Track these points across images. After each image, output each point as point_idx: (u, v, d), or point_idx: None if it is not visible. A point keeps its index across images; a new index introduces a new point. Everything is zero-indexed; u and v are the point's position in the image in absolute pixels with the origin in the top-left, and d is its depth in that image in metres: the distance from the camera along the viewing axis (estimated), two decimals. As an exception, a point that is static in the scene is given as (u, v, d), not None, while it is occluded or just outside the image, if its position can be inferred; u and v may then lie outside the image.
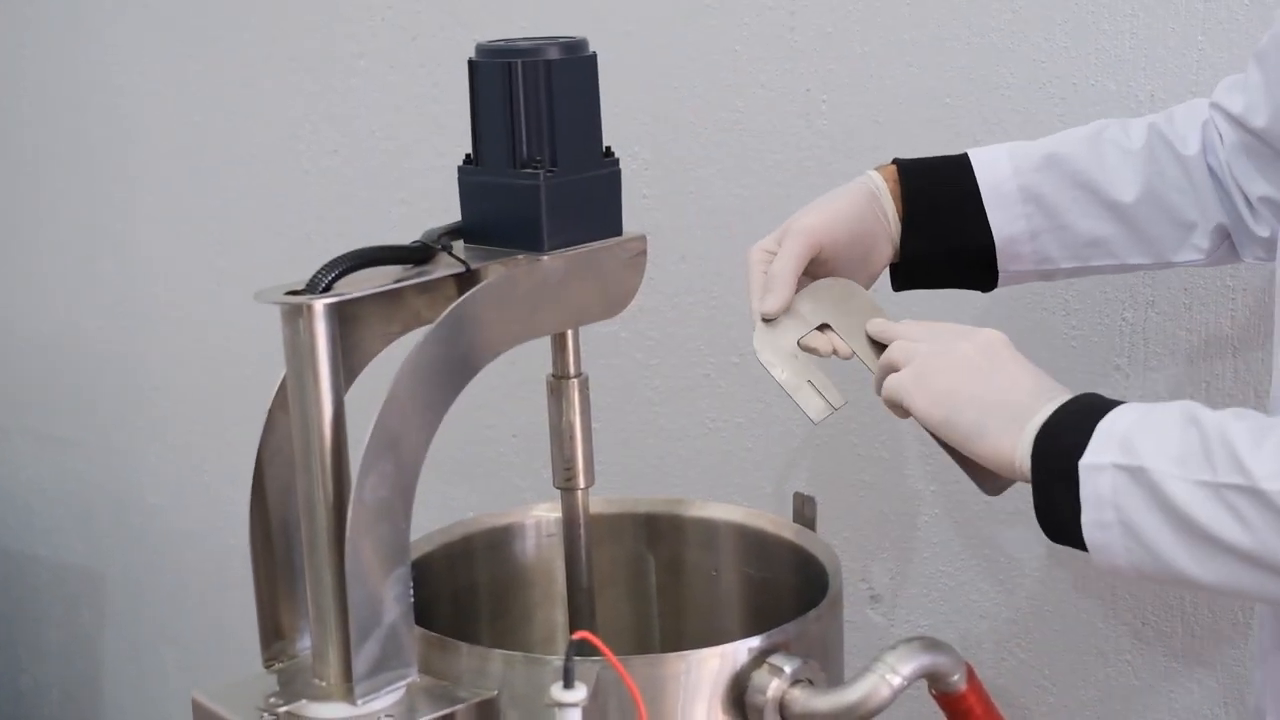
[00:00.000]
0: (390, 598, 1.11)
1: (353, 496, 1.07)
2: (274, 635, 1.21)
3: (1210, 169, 1.33)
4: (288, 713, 1.11)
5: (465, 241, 1.22)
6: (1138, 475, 1.04)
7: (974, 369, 1.15)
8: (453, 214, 1.99)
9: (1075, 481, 1.06)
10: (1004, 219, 1.34)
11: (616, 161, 1.22)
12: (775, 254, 1.30)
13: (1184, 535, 1.03)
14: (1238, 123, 1.30)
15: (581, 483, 1.30)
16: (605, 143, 1.22)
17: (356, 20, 2.08)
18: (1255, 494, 1.00)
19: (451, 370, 1.13)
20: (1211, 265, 1.40)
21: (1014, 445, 1.10)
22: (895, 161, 1.36)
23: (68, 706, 2.76)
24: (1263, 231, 1.32)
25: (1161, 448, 1.04)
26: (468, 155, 1.22)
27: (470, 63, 1.20)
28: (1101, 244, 1.35)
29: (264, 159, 2.24)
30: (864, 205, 1.33)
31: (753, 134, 1.79)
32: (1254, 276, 1.53)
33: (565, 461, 1.30)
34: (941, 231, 1.34)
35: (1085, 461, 1.06)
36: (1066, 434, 1.08)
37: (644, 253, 1.24)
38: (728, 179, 1.82)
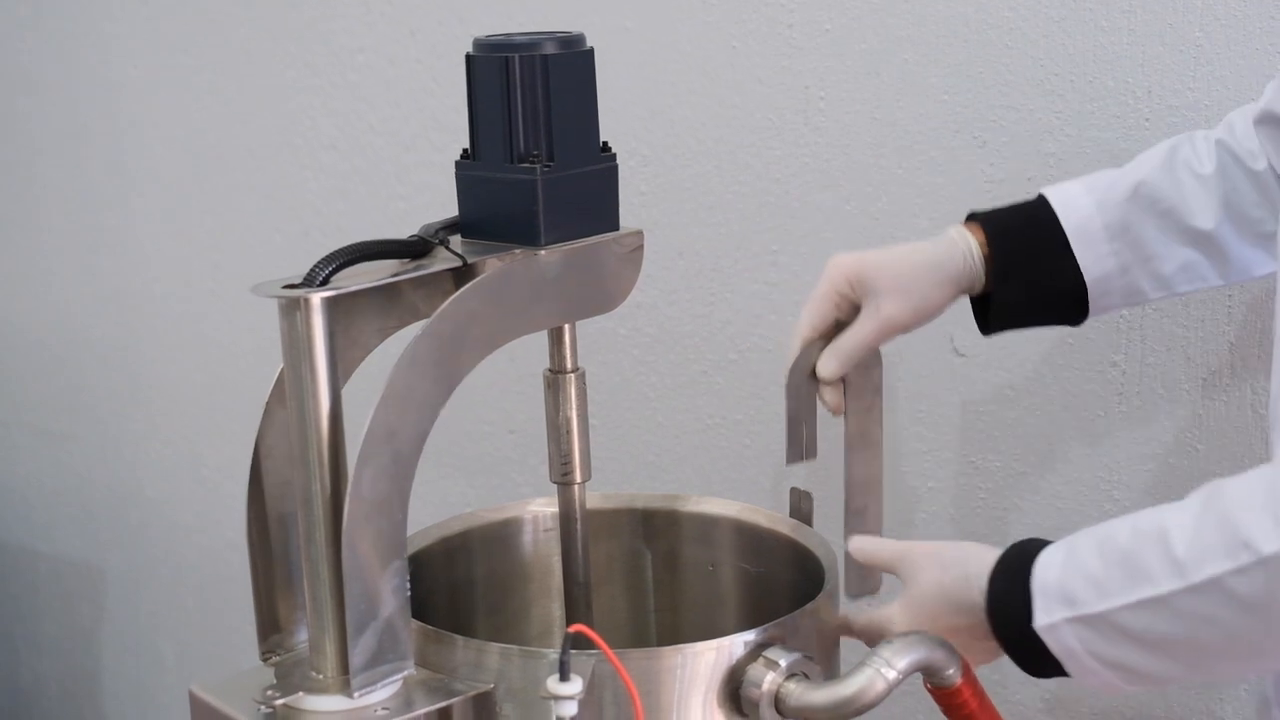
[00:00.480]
0: (387, 591, 1.11)
1: (350, 490, 1.08)
2: (271, 628, 1.22)
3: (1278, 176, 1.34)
4: (284, 705, 1.12)
5: (463, 236, 1.22)
6: (1091, 623, 1.08)
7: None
8: (451, 209, 1.99)
9: (1040, 642, 1.11)
10: (1092, 259, 1.34)
11: (613, 156, 1.23)
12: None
13: (1160, 654, 1.06)
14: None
15: (578, 477, 1.31)
16: (602, 138, 1.23)
17: (355, 15, 2.08)
18: (1199, 589, 1.01)
19: (448, 364, 1.13)
20: None
21: (986, 636, 1.16)
22: (976, 216, 1.37)
23: (66, 700, 2.76)
24: None
25: (1095, 585, 1.07)
26: (465, 150, 1.22)
27: (468, 57, 1.20)
28: (1188, 270, 1.36)
29: (262, 154, 2.24)
30: (949, 292, 1.34)
31: (750, 130, 1.79)
32: (1250, 273, 1.53)
33: (562, 456, 1.30)
34: (1033, 278, 1.35)
35: (1039, 625, 1.10)
36: (1011, 604, 1.13)
37: (641, 247, 1.24)
38: (725, 175, 1.82)
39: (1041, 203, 1.36)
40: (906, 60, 1.67)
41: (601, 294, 1.23)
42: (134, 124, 2.38)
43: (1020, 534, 1.71)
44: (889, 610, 1.23)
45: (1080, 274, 1.34)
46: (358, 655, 1.10)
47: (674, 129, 1.84)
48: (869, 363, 1.35)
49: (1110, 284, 1.35)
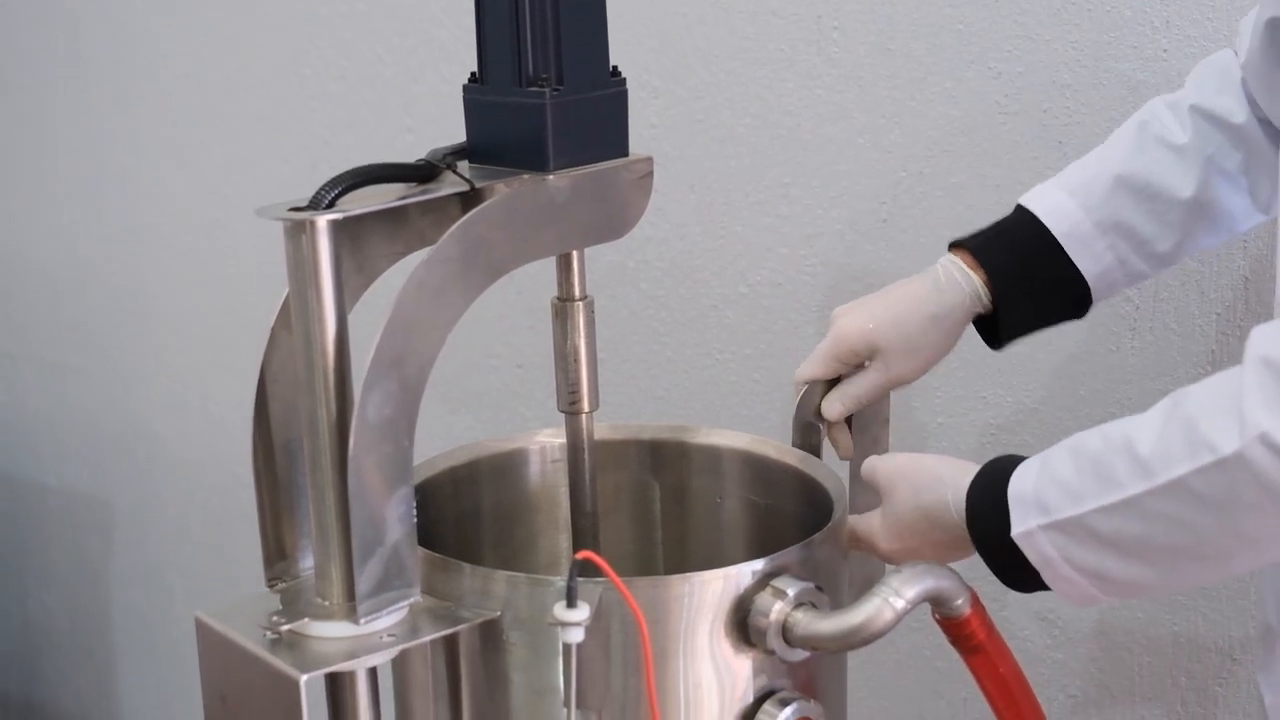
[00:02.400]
0: (393, 517, 1.10)
1: (355, 415, 1.07)
2: (277, 555, 1.21)
3: (1262, 123, 1.33)
4: (290, 631, 1.11)
5: (470, 161, 1.21)
6: (1064, 527, 1.09)
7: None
8: (460, 140, 1.97)
9: (1017, 550, 1.11)
10: (1090, 259, 1.35)
11: (623, 81, 1.21)
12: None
13: (1136, 559, 1.07)
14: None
15: (586, 406, 1.30)
16: (612, 63, 1.21)
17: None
18: (1168, 489, 1.02)
19: (455, 289, 1.12)
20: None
21: (966, 549, 1.17)
22: (959, 244, 1.36)
23: (75, 634, 2.77)
24: None
25: (1067, 492, 1.08)
26: (473, 74, 1.21)
27: None
28: (1183, 243, 1.36)
29: (269, 86, 2.22)
30: (953, 340, 1.36)
31: (763, 62, 1.77)
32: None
33: (570, 385, 1.29)
34: (1037, 293, 1.36)
35: (1016, 534, 1.11)
36: (988, 515, 1.14)
37: (650, 174, 1.23)
38: (737, 108, 1.80)
39: (1026, 217, 1.36)
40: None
41: (611, 220, 1.22)
42: (141, 56, 2.36)
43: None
44: (872, 523, 1.25)
45: (1082, 277, 1.35)
46: (363, 581, 1.09)
47: (686, 61, 1.83)
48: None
49: (1111, 277, 1.36)
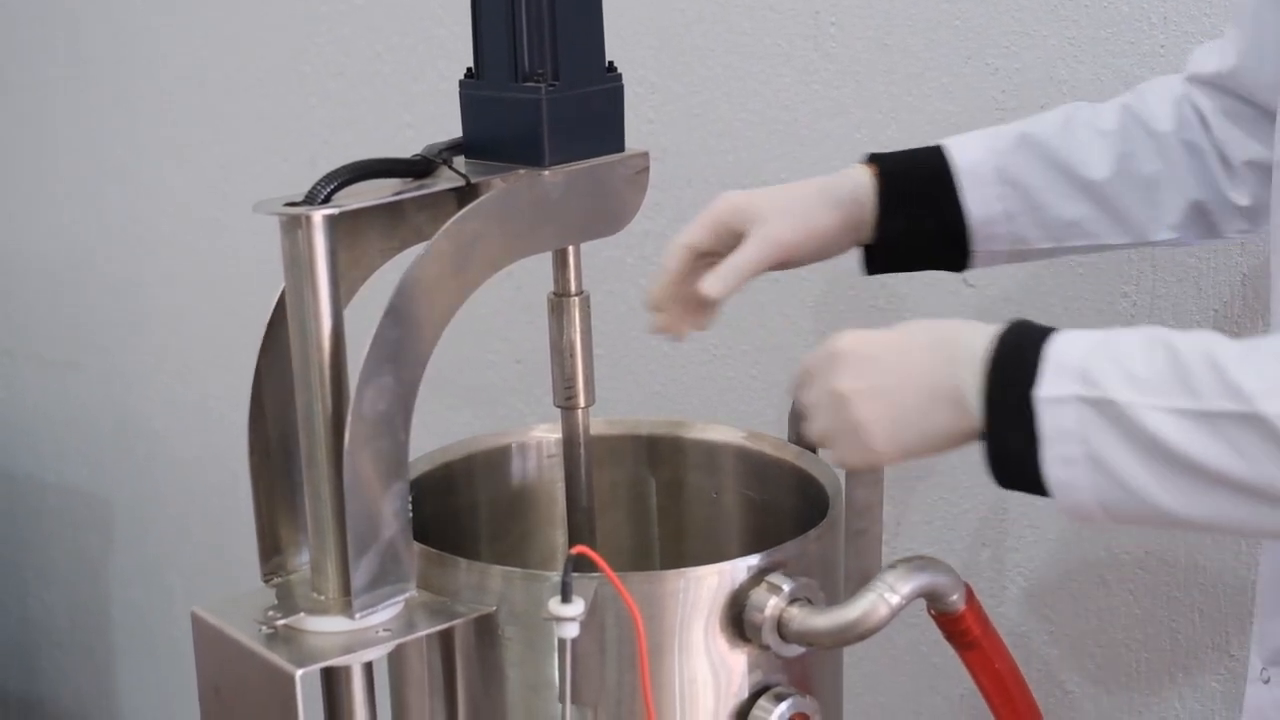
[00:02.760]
0: (389, 512, 1.10)
1: (351, 410, 1.07)
2: (273, 550, 1.21)
3: (1187, 144, 1.31)
4: (285, 626, 1.11)
5: (467, 157, 1.21)
6: (1104, 409, 0.98)
7: (886, 393, 1.08)
8: (458, 135, 1.96)
9: (1030, 415, 1.00)
10: (979, 199, 1.32)
11: (619, 76, 1.21)
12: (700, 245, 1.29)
13: (1165, 470, 0.98)
14: (1215, 86, 1.29)
15: (582, 401, 1.30)
16: (609, 61, 1.21)
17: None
18: (1251, 419, 0.95)
19: (451, 284, 1.12)
20: (1187, 244, 1.39)
21: (963, 401, 1.04)
22: (872, 157, 1.35)
23: (74, 631, 2.78)
24: (1243, 200, 1.31)
25: (1129, 377, 0.98)
26: (469, 69, 1.21)
27: None
28: (1077, 225, 1.34)
29: (269, 83, 2.22)
30: (837, 216, 1.31)
31: (759, 57, 1.77)
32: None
33: (566, 380, 1.29)
34: (917, 214, 1.33)
35: (1043, 394, 1.00)
36: (1010, 366, 1.02)
37: (646, 169, 1.23)
38: (734, 103, 1.80)
39: (937, 148, 1.35)
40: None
41: (607, 216, 1.22)
42: (141, 55, 2.36)
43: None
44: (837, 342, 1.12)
45: (964, 219, 1.33)
46: (359, 576, 1.10)
47: (683, 56, 1.82)
48: None
49: (995, 228, 1.33)
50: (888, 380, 1.08)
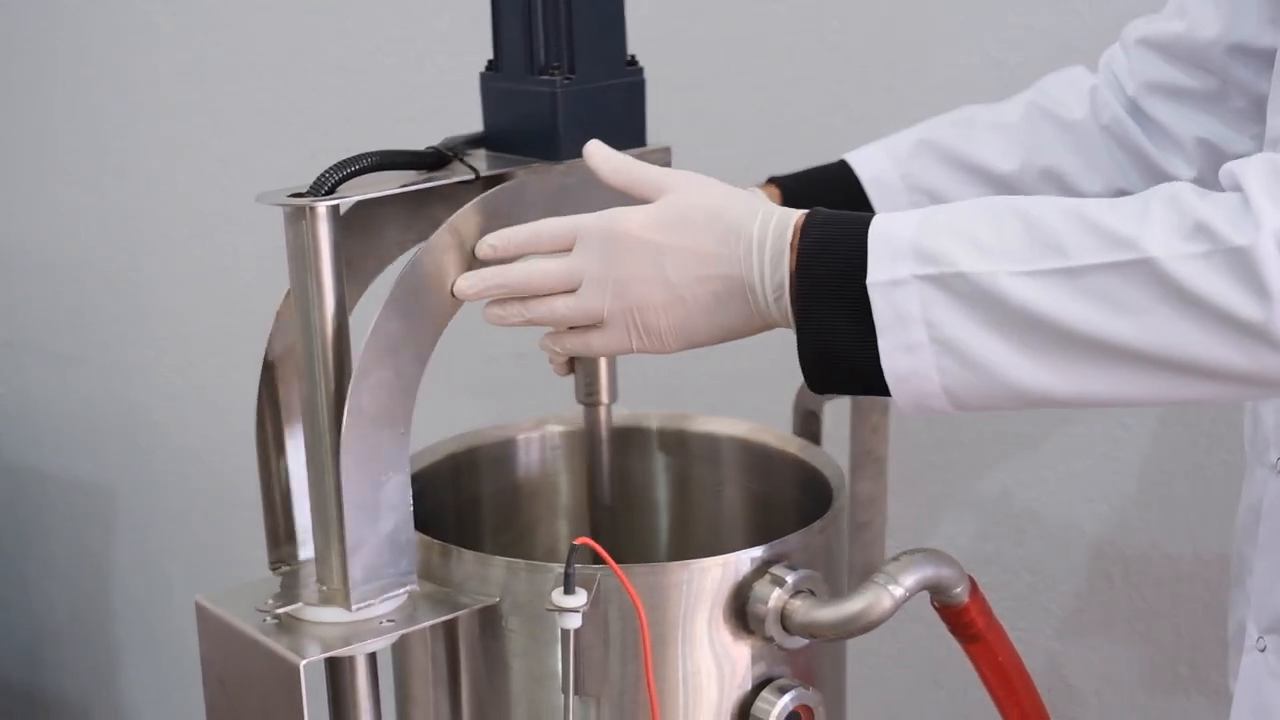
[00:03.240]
0: (387, 505, 1.10)
1: (349, 402, 1.07)
2: (281, 539, 1.21)
3: (1106, 130, 1.29)
4: (289, 615, 1.11)
5: (487, 150, 1.20)
6: (951, 284, 0.90)
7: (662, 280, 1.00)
8: (461, 131, 1.96)
9: (860, 304, 0.92)
10: (890, 208, 1.28)
11: (640, 70, 1.20)
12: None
13: (1032, 343, 0.89)
14: (1162, 52, 1.26)
15: (604, 398, 1.29)
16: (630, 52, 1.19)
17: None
18: (1139, 266, 0.86)
19: (455, 278, 1.11)
20: None
21: (758, 293, 0.97)
22: (773, 180, 1.32)
23: (75, 623, 2.77)
24: (1188, 174, 1.26)
25: (976, 245, 0.89)
26: (490, 61, 1.20)
27: None
28: None
29: (268, 76, 2.22)
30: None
31: (763, 51, 1.77)
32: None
33: (588, 377, 1.29)
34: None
35: (875, 279, 0.91)
36: (826, 254, 0.94)
37: (668, 164, 1.21)
38: (739, 96, 1.80)
39: (840, 164, 1.32)
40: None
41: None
42: (140, 45, 2.36)
43: (1032, 460, 1.70)
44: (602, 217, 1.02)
45: None
46: (356, 568, 1.09)
47: (687, 49, 1.82)
48: None
49: None
50: (678, 272, 1.00)
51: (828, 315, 0.95)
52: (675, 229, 1.01)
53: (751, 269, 0.99)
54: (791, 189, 1.30)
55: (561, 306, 1.04)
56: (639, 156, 1.17)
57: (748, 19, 1.77)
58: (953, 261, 0.90)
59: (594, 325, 1.04)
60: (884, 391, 0.95)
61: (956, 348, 0.91)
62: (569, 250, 1.05)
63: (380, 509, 1.10)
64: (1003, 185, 1.28)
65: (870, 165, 1.31)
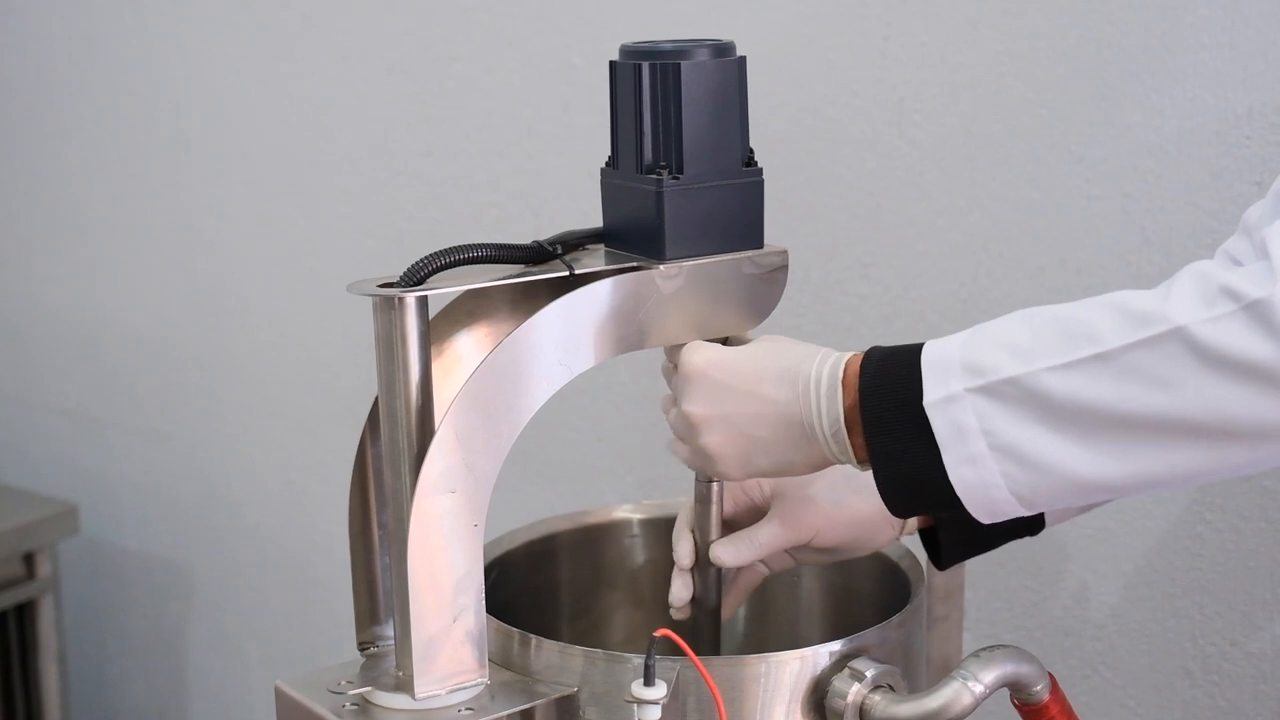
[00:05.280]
0: (458, 600, 1.11)
1: (416, 492, 1.07)
2: (368, 620, 1.22)
3: None
4: (369, 703, 1.12)
5: (606, 246, 1.20)
6: (998, 391, 0.93)
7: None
8: (543, 217, 2.00)
9: (921, 426, 0.96)
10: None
11: (759, 171, 1.18)
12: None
13: (1083, 433, 0.91)
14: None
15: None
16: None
17: (453, 23, 2.10)
18: (1172, 337, 0.88)
19: (533, 377, 1.11)
20: None
21: (816, 431, 1.02)
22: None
23: (152, 697, 2.80)
24: None
25: (1014, 350, 0.93)
26: (609, 158, 1.20)
27: (610, 64, 1.18)
28: None
29: (357, 159, 2.26)
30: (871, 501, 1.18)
31: (844, 142, 1.78)
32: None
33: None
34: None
35: (931, 399, 0.95)
36: (885, 386, 0.98)
37: (784, 268, 1.20)
38: (817, 187, 1.81)
39: None
40: (1003, 74, 1.66)
41: (734, 313, 1.19)
42: (231, 129, 2.41)
43: (1109, 552, 1.69)
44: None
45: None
46: (418, 659, 1.10)
47: (767, 141, 1.83)
48: None
49: None
50: (738, 410, 1.07)
51: (894, 442, 0.99)
52: (736, 370, 1.09)
53: (809, 407, 1.05)
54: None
55: (670, 415, 1.15)
56: (756, 259, 1.18)
57: (828, 110, 1.78)
58: (997, 369, 0.94)
59: (685, 439, 1.13)
60: (961, 507, 0.99)
61: (1015, 451, 0.94)
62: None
63: (446, 603, 1.10)
64: None
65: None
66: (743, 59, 1.17)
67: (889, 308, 1.79)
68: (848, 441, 1.03)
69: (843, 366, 1.04)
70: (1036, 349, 0.93)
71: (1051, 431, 0.93)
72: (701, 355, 1.11)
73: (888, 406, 0.99)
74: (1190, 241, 1.57)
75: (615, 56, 1.19)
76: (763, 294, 1.20)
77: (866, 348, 1.05)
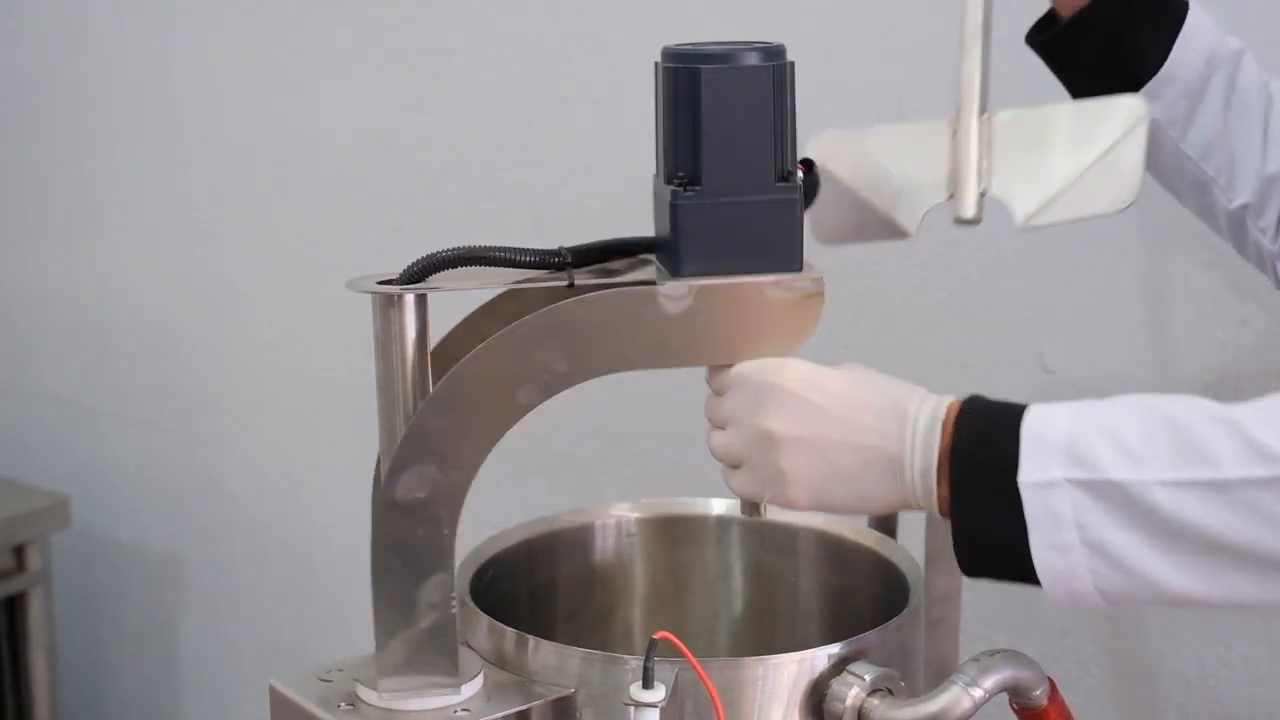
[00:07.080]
0: (425, 603, 1.09)
1: (381, 494, 1.06)
2: None
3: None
4: (364, 703, 1.12)
5: (655, 258, 1.13)
6: (1102, 491, 0.91)
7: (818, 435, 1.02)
8: (542, 209, 1.98)
9: (1013, 501, 0.93)
10: None
11: (795, 188, 1.06)
12: None
13: (1181, 552, 0.90)
14: None
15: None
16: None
17: (451, 17, 2.09)
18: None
19: (511, 387, 1.08)
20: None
21: (905, 471, 0.99)
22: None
23: (144, 688, 2.79)
24: None
25: (1125, 452, 0.91)
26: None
27: (655, 66, 1.11)
28: None
29: (355, 152, 2.25)
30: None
31: (844, 139, 1.77)
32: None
33: None
34: None
35: (1028, 479, 0.93)
36: (982, 448, 0.95)
37: (819, 294, 1.08)
38: (817, 183, 1.80)
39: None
40: (1003, 72, 1.65)
41: (757, 338, 1.08)
42: (228, 121, 2.40)
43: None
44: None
45: None
46: (386, 659, 1.09)
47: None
48: None
49: None
50: (828, 434, 1.02)
51: (980, 504, 0.96)
52: (836, 394, 1.03)
53: (903, 444, 1.00)
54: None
55: (711, 440, 1.09)
56: (785, 282, 1.08)
57: (825, 108, 1.77)
58: (1103, 468, 0.91)
59: (734, 465, 1.07)
60: (1036, 582, 0.96)
61: (1108, 552, 0.92)
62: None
63: (416, 607, 1.09)
64: None
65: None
66: (781, 66, 1.06)
67: (887, 301, 1.78)
68: (935, 488, 0.99)
69: (944, 409, 1.00)
70: (1149, 457, 0.90)
71: (1149, 543, 0.91)
72: (796, 371, 1.04)
73: (980, 470, 0.95)
74: (1190, 241, 1.56)
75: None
76: (793, 321, 1.09)
77: (966, 395, 1.00)
